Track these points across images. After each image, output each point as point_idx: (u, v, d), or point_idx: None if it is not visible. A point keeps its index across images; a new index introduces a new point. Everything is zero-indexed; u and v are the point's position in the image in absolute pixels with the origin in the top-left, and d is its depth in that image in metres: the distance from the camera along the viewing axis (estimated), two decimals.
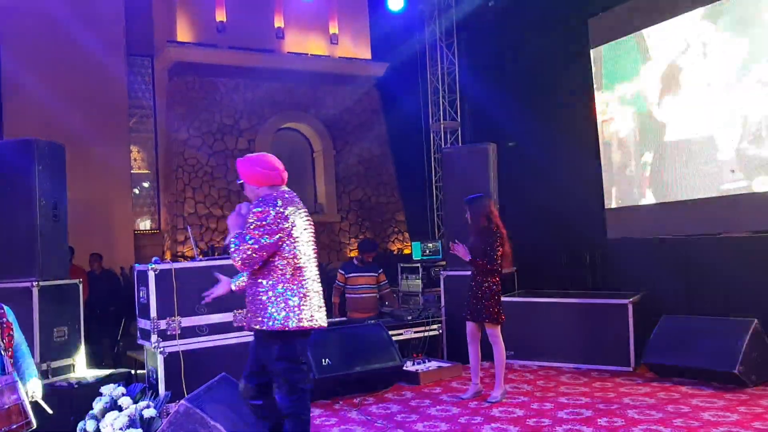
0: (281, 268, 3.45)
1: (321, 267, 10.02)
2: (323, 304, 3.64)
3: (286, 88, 12.28)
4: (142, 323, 4.99)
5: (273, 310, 3.42)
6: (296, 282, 3.48)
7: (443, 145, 11.31)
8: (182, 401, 3.78)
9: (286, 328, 3.41)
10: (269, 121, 12.14)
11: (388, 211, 13.18)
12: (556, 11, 8.34)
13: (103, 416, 4.34)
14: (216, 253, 10.28)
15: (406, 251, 12.61)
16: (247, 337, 5.09)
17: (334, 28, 12.85)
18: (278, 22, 12.32)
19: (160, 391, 4.68)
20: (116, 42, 11.56)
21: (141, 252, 11.37)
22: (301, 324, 3.45)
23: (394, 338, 6.37)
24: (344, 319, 7.25)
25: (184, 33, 11.67)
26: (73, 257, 9.03)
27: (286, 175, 3.66)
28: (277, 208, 3.42)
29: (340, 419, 5.13)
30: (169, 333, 4.78)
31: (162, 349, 4.73)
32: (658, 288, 6.88)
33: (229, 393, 4.23)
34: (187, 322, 4.87)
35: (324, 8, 12.75)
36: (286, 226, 3.43)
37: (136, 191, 12.25)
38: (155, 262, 4.84)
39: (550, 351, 6.74)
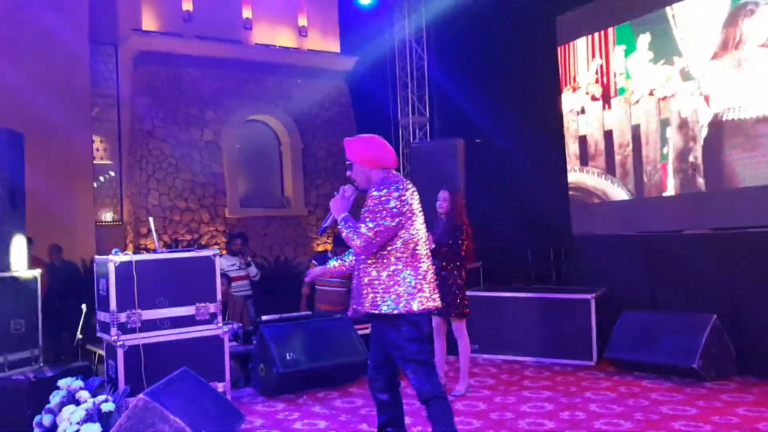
0: (402, 250, 3.47)
1: (286, 261, 9.94)
2: (436, 285, 3.65)
3: (253, 79, 12.15)
4: (102, 316, 4.89)
5: (400, 291, 3.43)
6: (415, 263, 3.49)
7: (412, 140, 11.30)
8: (141, 395, 3.70)
9: (414, 310, 3.42)
10: (236, 113, 11.99)
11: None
12: (525, 8, 8.37)
13: (59, 410, 4.24)
14: (180, 247, 10.13)
15: None
16: (209, 331, 5.02)
17: (303, 21, 12.74)
18: (246, 13, 12.17)
19: (119, 385, 4.58)
20: (80, 29, 11.30)
21: (103, 244, 11.15)
22: (426, 304, 3.47)
23: (360, 332, 6.35)
24: (309, 313, 7.20)
25: (149, 22, 11.45)
26: (32, 248, 8.82)
27: (395, 157, 3.68)
28: (400, 192, 3.46)
29: (304, 413, 5.10)
30: (129, 326, 4.69)
31: (122, 342, 4.63)
32: (621, 283, 6.96)
33: (190, 387, 4.16)
34: (148, 315, 4.78)
35: (293, 0, 12.64)
36: (406, 209, 3.47)
37: (102, 179, 12.02)
38: (115, 254, 4.74)
39: (514, 345, 6.79)
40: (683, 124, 6.48)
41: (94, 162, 11.78)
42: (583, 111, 7.65)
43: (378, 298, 3.46)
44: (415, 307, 3.43)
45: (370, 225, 3.40)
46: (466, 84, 9.79)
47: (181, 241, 10.90)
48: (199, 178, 11.54)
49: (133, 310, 4.70)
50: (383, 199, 3.43)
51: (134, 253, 5.12)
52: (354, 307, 3.69)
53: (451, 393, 5.46)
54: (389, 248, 3.47)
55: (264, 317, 6.15)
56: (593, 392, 5.43)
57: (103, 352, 5.17)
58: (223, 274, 6.73)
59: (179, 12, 11.56)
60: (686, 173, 6.46)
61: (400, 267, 3.46)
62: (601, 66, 7.38)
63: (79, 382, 4.40)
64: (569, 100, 7.83)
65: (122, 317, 4.68)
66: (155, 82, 11.44)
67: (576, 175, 7.72)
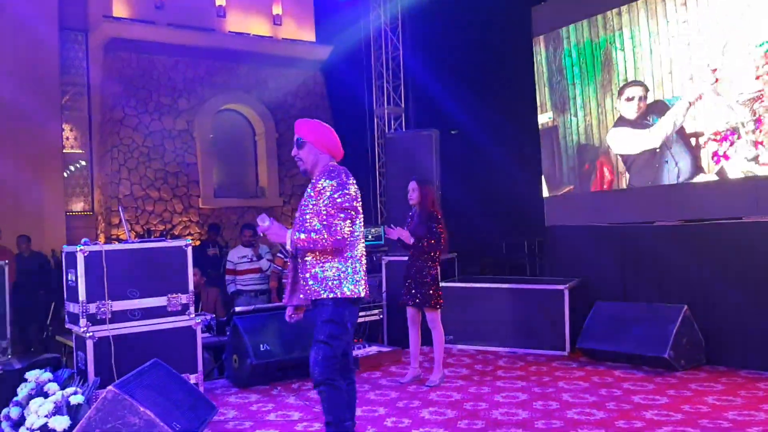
0: (349, 241, 3.48)
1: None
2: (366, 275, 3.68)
3: (227, 68, 12.02)
4: (71, 307, 4.79)
5: (333, 279, 3.45)
6: (352, 254, 3.51)
7: (387, 131, 11.28)
8: (110, 387, 3.64)
9: (342, 295, 3.45)
10: (209, 102, 11.86)
11: None
12: None
13: (27, 403, 4.15)
14: (152, 237, 10.00)
15: None
16: (181, 322, 4.96)
17: (277, 9, 12.63)
18: (220, 1, 12.03)
19: (89, 377, 4.51)
20: (49, 15, 11.08)
21: (73, 234, 10.98)
22: (356, 290, 3.50)
23: None
24: (281, 304, 7.14)
25: (120, 8, 11.26)
26: None
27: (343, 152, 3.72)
28: (354, 186, 3.51)
29: (278, 405, 5.06)
30: (99, 317, 4.61)
31: (91, 333, 4.55)
32: (594, 274, 7.02)
33: (161, 378, 4.11)
34: (119, 306, 4.69)
35: None
36: (358, 202, 3.53)
37: (70, 170, 11.81)
38: (84, 244, 4.64)
39: (488, 336, 6.82)
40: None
41: (64, 151, 11.58)
42: (553, 102, 7.68)
43: (311, 283, 3.49)
44: (347, 292, 3.47)
45: (348, 224, 3.43)
46: (441, 74, 9.79)
47: (154, 232, 10.77)
48: (171, 168, 11.41)
49: (103, 301, 4.62)
50: (347, 193, 3.45)
51: (106, 243, 5.02)
52: (290, 304, 3.73)
53: (425, 383, 5.47)
54: None
55: (237, 308, 6.09)
56: (566, 382, 5.47)
57: (72, 344, 5.08)
58: (195, 265, 6.65)
59: None
60: (660, 164, 6.52)
61: (345, 256, 3.49)
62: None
63: (48, 375, 4.32)
64: (542, 91, 7.84)
65: (92, 308, 4.59)
66: (126, 70, 11.26)
67: (548, 165, 7.74)
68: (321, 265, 3.50)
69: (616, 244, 6.97)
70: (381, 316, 7.30)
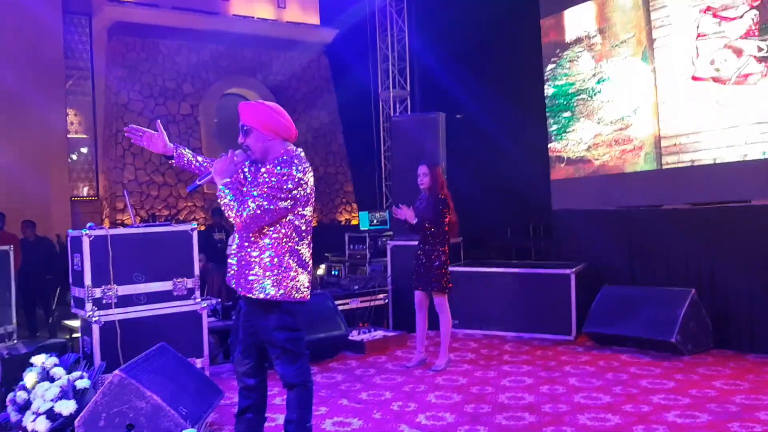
0: (286, 234, 3.17)
1: None
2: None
3: (231, 52, 11.96)
4: (77, 291, 4.79)
5: (279, 277, 3.16)
6: (299, 250, 3.22)
7: (392, 114, 11.21)
8: (116, 371, 3.63)
9: (291, 299, 3.18)
10: (214, 86, 11.82)
11: (336, 181, 13.05)
12: None
13: (33, 387, 4.16)
14: (157, 221, 10.00)
15: (354, 222, 12.54)
16: (186, 307, 4.96)
17: None
18: None
19: (95, 362, 4.51)
20: None
21: (79, 219, 11.00)
22: (304, 293, 3.25)
23: (340, 308, 6.32)
24: None
25: None
26: (4, 224, 8.67)
27: (296, 131, 3.32)
28: (300, 173, 3.11)
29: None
30: (104, 302, 4.60)
31: (97, 318, 4.55)
32: (601, 259, 6.98)
33: (168, 363, 4.10)
34: (124, 290, 4.69)
35: None
36: (301, 193, 3.14)
37: (74, 156, 11.80)
38: (90, 228, 4.63)
39: (494, 320, 6.80)
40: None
41: (69, 136, 11.57)
42: (561, 84, 7.60)
43: (255, 282, 3.17)
44: (295, 295, 3.20)
45: (262, 203, 3.05)
46: (447, 57, 9.70)
47: (159, 216, 10.78)
48: None
49: (109, 286, 4.61)
50: (283, 178, 3.07)
51: (111, 228, 5.01)
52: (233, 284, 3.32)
53: (431, 368, 5.46)
54: (275, 230, 3.16)
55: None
56: (572, 366, 5.45)
57: (78, 329, 5.09)
58: (201, 250, 6.65)
59: None
60: (666, 148, 6.46)
61: (283, 251, 3.17)
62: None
63: (54, 359, 4.32)
64: (550, 73, 7.77)
65: (97, 293, 4.59)
66: (130, 54, 11.22)
67: (555, 149, 7.69)
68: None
69: (622, 228, 6.93)
70: (386, 301, 7.29)
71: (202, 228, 8.72)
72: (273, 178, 3.08)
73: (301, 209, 3.19)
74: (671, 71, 6.39)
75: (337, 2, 12.02)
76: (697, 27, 6.10)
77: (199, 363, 4.88)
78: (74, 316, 5.23)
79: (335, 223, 12.92)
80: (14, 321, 5.32)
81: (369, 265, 9.26)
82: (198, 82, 11.63)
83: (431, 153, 7.00)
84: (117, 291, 4.66)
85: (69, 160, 11.56)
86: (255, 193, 3.08)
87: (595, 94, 7.20)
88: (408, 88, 11.42)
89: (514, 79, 8.47)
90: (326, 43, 12.76)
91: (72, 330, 6.14)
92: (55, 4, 11.04)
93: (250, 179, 3.28)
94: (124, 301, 4.69)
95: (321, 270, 9.92)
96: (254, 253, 3.18)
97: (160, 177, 11.21)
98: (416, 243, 5.65)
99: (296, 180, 3.11)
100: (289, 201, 3.10)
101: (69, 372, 4.20)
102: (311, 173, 3.25)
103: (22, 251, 8.22)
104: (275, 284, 3.16)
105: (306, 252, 3.28)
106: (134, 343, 4.49)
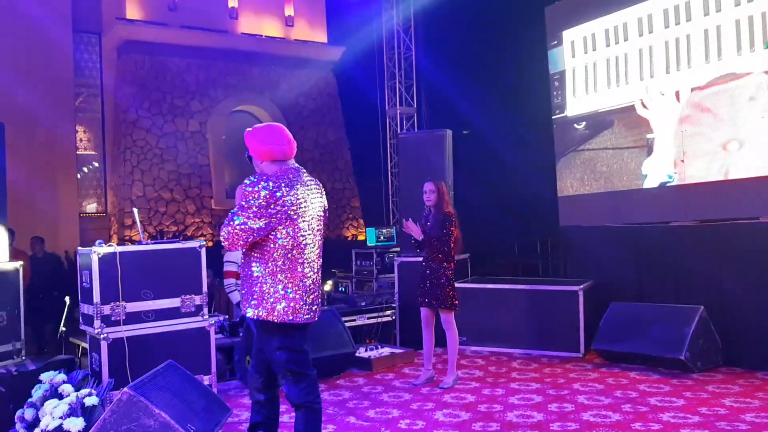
0: (277, 254, 3.19)
1: None
2: (319, 295, 3.42)
3: (239, 70, 12.06)
4: (85, 308, 4.81)
5: (266, 296, 3.19)
6: (291, 268, 3.21)
7: (400, 131, 11.25)
8: (125, 389, 3.64)
9: (282, 321, 3.20)
10: (222, 103, 11.91)
11: (343, 197, 13.08)
12: None
13: (42, 404, 4.16)
14: (165, 238, 10.03)
15: (361, 237, 12.54)
16: (194, 324, 4.97)
17: (289, 10, 12.65)
18: (232, 2, 12.07)
19: (103, 379, 4.51)
20: (63, 17, 11.14)
21: (87, 235, 11.05)
22: (297, 314, 3.24)
23: (347, 324, 6.31)
24: None
25: (133, 10, 11.32)
26: (13, 240, 8.70)
27: (291, 149, 3.36)
28: (270, 190, 3.13)
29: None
30: (113, 318, 4.61)
31: (105, 335, 4.56)
32: (609, 275, 6.96)
33: (176, 380, 4.10)
34: (133, 307, 4.70)
35: None
36: (279, 210, 3.14)
37: (84, 171, 11.88)
38: (99, 245, 4.66)
39: (502, 337, 6.77)
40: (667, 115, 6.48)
41: (78, 152, 11.65)
42: (568, 104, 7.63)
43: (252, 300, 3.22)
44: (280, 316, 3.19)
45: (236, 221, 3.13)
46: (454, 74, 9.75)
47: (167, 233, 10.82)
48: (184, 169, 11.45)
49: (117, 303, 4.63)
50: (251, 195, 3.14)
51: (119, 244, 5.04)
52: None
53: (439, 385, 5.44)
54: (266, 250, 3.20)
55: None
56: (581, 384, 5.42)
57: (86, 345, 5.10)
58: (209, 267, 6.66)
59: (164, 1, 11.43)
60: (673, 164, 6.46)
61: (270, 270, 3.20)
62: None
63: (62, 376, 4.33)
64: (557, 93, 7.79)
65: (106, 309, 4.60)
66: (139, 72, 11.32)
67: (562, 166, 7.70)
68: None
69: (630, 245, 6.91)
70: (394, 317, 7.28)
71: (210, 244, 8.74)
72: (245, 198, 3.17)
73: (284, 228, 3.18)
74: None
75: (345, 21, 12.12)
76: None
77: (206, 380, 4.88)
78: (82, 333, 5.24)
79: (342, 239, 12.92)
80: (22, 337, 5.34)
81: (376, 281, 9.24)
82: (206, 99, 11.72)
83: (438, 169, 7.01)
84: (125, 308, 4.67)
85: (78, 176, 11.62)
86: (235, 214, 3.17)
87: None
88: (415, 105, 11.47)
89: (521, 96, 8.49)
90: (334, 61, 12.85)
91: (80, 347, 6.15)
92: (65, 23, 11.17)
93: None
94: (133, 318, 4.70)
95: (328, 286, 9.91)
96: (246, 272, 3.28)
97: (168, 193, 11.27)
98: (421, 259, 5.66)
99: (265, 197, 3.13)
100: (263, 219, 3.14)
101: (77, 389, 4.20)
102: (300, 191, 3.24)
103: (31, 267, 8.25)
104: (258, 305, 3.20)
105: (302, 272, 3.26)
106: (142, 360, 4.49)
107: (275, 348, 3.25)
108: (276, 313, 3.20)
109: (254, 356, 3.46)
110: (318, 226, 3.37)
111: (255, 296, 3.22)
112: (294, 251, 3.22)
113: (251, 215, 3.13)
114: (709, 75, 6.12)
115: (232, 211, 3.22)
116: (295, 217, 3.20)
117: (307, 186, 3.31)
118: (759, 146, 5.71)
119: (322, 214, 3.45)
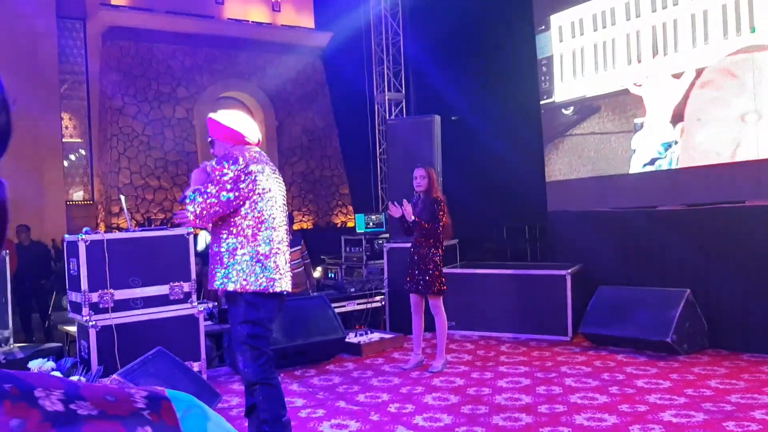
0: (245, 228, 3.27)
1: None
2: (288, 269, 3.47)
3: (226, 55, 11.97)
4: (73, 296, 4.79)
5: (238, 268, 3.24)
6: (260, 244, 3.29)
7: (388, 117, 11.23)
8: (115, 376, 3.64)
9: (249, 290, 3.24)
10: (208, 90, 11.83)
11: (332, 184, 13.06)
12: None
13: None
14: (153, 225, 9.99)
15: (350, 224, 12.54)
16: (183, 311, 4.97)
17: None
18: None
19: (92, 366, 4.51)
20: (47, 3, 11.01)
21: (74, 223, 10.98)
22: (268, 286, 3.27)
23: (336, 310, 6.32)
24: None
25: None
26: None
27: (257, 136, 3.53)
28: (239, 165, 3.24)
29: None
30: (101, 306, 4.60)
31: (94, 322, 4.55)
32: (596, 260, 7.01)
33: (165, 367, 4.11)
34: (121, 294, 4.69)
35: None
36: (247, 185, 3.25)
37: (72, 157, 11.78)
38: (86, 233, 4.63)
39: (490, 321, 6.82)
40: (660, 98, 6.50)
41: (63, 140, 11.55)
42: (558, 88, 7.64)
43: (218, 273, 3.29)
44: (252, 287, 3.24)
45: (206, 197, 3.21)
46: (442, 60, 9.73)
47: (154, 220, 10.77)
48: (171, 156, 11.39)
49: (106, 290, 4.62)
50: (222, 171, 3.23)
51: (106, 232, 5.02)
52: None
53: (428, 369, 5.47)
54: (233, 224, 3.29)
55: None
56: (569, 367, 5.47)
57: (75, 333, 5.08)
58: (197, 254, 6.64)
59: None
60: (656, 150, 6.49)
61: (242, 245, 3.27)
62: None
63: (51, 364, 4.33)
64: (544, 76, 7.80)
65: (94, 297, 4.59)
66: (125, 59, 11.21)
67: (550, 151, 7.72)
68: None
69: (618, 229, 6.96)
70: (383, 303, 7.30)
71: (198, 232, 8.72)
72: (215, 173, 3.25)
73: (254, 201, 3.29)
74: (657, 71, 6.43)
75: (332, 6, 12.04)
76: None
77: (196, 366, 4.88)
78: (70, 321, 5.23)
79: (331, 225, 12.92)
80: (10, 326, 5.32)
81: (365, 267, 9.27)
82: (193, 86, 11.63)
83: (426, 155, 7.02)
84: (113, 295, 4.66)
85: (64, 164, 11.53)
86: (202, 189, 3.24)
87: None
88: (403, 91, 11.43)
89: (509, 82, 8.49)
90: (321, 46, 12.78)
91: (68, 335, 6.14)
92: (49, 9, 11.04)
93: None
94: (121, 305, 4.69)
95: (317, 273, 9.93)
96: (214, 247, 3.34)
97: (155, 181, 11.21)
98: (410, 245, 5.67)
99: (234, 172, 3.23)
100: (233, 192, 3.23)
101: (67, 376, 4.20)
102: (269, 173, 3.38)
103: (18, 256, 8.21)
104: (228, 276, 3.25)
105: (269, 245, 3.32)
106: (131, 347, 4.49)
107: (239, 321, 3.28)
108: (246, 285, 3.24)
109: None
110: (283, 204, 3.50)
111: (224, 268, 3.27)
112: (264, 224, 3.31)
113: (222, 189, 3.21)
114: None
115: (189, 193, 3.28)
116: (263, 192, 3.31)
117: (272, 168, 3.46)
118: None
119: (285, 196, 3.59)
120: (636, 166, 6.78)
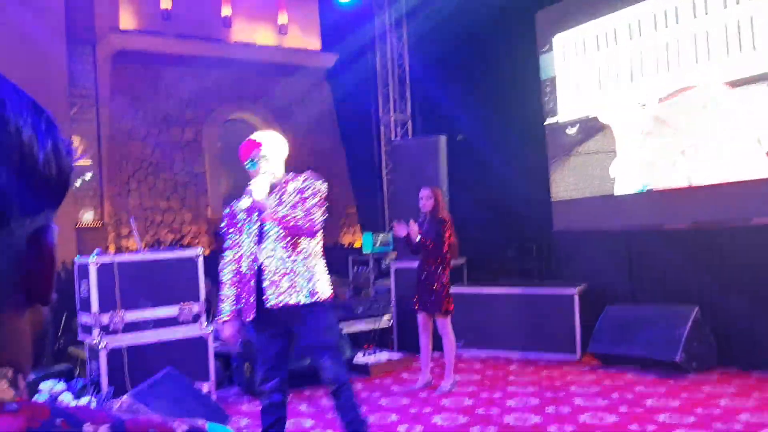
0: (319, 242, 3.62)
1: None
2: None
3: (233, 78, 12.07)
4: (84, 318, 4.83)
5: (324, 281, 3.52)
6: (323, 255, 3.63)
7: (393, 138, 11.28)
8: (125, 397, 3.67)
9: (330, 297, 3.53)
10: (216, 112, 11.92)
11: (339, 204, 13.09)
12: (506, 4, 8.38)
13: None
14: (162, 247, 10.05)
15: (357, 244, 12.56)
16: (192, 332, 4.99)
17: (283, 18, 12.68)
18: (225, 11, 12.09)
19: (102, 387, 4.54)
20: (56, 27, 11.15)
21: (84, 246, 11.02)
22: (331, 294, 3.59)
23: (344, 330, 6.34)
24: None
25: (127, 20, 11.34)
26: None
27: (241, 154, 3.89)
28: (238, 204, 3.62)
29: (290, 412, 5.05)
30: (111, 328, 4.64)
31: (104, 344, 4.59)
32: (603, 279, 7.00)
33: (175, 388, 4.13)
34: (131, 316, 4.73)
35: None
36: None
37: (81, 180, 11.88)
38: (97, 254, 4.68)
39: (498, 341, 6.81)
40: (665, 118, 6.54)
41: (73, 163, 11.66)
42: (562, 108, 7.69)
43: (306, 287, 3.45)
44: (332, 295, 3.58)
45: (318, 214, 3.65)
46: (447, 80, 9.80)
47: (164, 242, 10.83)
48: (180, 178, 11.47)
49: (116, 312, 4.66)
50: (321, 188, 3.79)
51: (116, 254, 5.07)
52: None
53: (437, 389, 5.47)
54: (316, 238, 3.64)
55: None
56: (578, 386, 5.46)
57: (85, 355, 5.11)
58: (207, 275, 6.67)
59: (158, 10, 11.45)
60: (669, 167, 6.51)
61: (321, 259, 3.61)
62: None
63: (62, 385, 4.36)
64: (549, 96, 7.85)
65: (104, 319, 4.63)
66: (134, 82, 11.34)
67: (556, 170, 7.75)
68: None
69: (625, 248, 6.96)
70: (391, 323, 7.31)
71: (208, 252, 8.76)
72: (319, 192, 3.80)
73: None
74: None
75: (338, 28, 12.14)
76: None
77: (205, 387, 4.90)
78: (80, 343, 5.26)
79: (339, 245, 12.94)
80: None
81: (373, 286, 9.28)
82: (200, 108, 11.73)
83: (432, 175, 7.06)
84: (124, 317, 4.70)
85: (74, 186, 11.64)
86: (312, 209, 3.62)
87: None
88: (408, 112, 11.49)
89: (514, 101, 8.54)
90: (327, 68, 12.87)
91: (78, 357, 6.17)
92: (59, 34, 11.18)
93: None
94: (131, 326, 4.73)
95: None
96: (308, 263, 3.54)
97: (164, 202, 11.28)
98: (417, 265, 5.69)
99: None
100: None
101: (77, 398, 4.23)
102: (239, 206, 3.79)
103: None
104: (325, 287, 3.54)
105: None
106: (141, 369, 4.52)
107: (326, 326, 3.47)
108: (330, 293, 3.55)
109: (272, 359, 3.52)
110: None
111: (315, 281, 3.47)
112: (322, 240, 3.67)
113: (323, 206, 3.63)
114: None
115: (289, 211, 3.47)
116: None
117: (243, 199, 3.82)
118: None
119: None
120: (641, 185, 6.79)
